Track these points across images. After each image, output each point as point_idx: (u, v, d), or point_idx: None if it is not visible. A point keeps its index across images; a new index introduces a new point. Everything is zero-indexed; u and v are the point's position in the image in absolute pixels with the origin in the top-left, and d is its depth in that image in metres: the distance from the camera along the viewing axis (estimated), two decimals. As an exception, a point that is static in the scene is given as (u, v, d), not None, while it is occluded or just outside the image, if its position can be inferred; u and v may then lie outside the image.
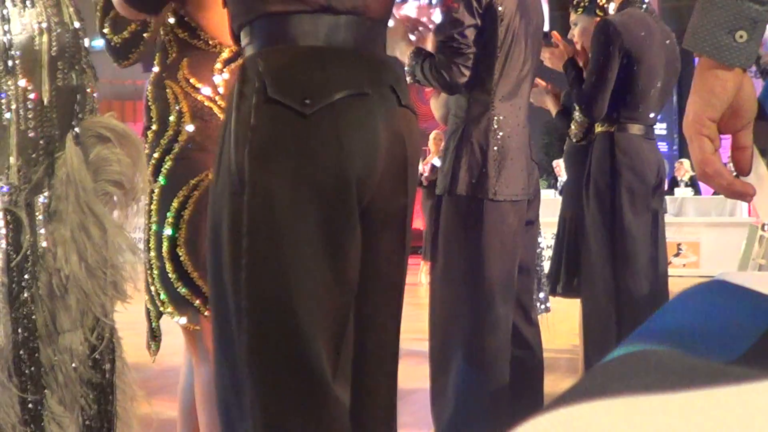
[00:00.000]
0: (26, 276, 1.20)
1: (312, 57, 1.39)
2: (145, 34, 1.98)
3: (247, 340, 1.34)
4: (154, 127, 1.97)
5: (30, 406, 1.18)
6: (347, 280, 1.39)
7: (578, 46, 3.43)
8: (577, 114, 3.50)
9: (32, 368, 1.18)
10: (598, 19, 3.46)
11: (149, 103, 2.00)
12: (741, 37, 0.93)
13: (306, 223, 1.34)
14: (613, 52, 3.05)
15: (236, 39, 1.50)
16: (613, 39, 3.05)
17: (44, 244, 1.22)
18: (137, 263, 1.35)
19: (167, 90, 1.96)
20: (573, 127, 3.53)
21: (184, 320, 1.95)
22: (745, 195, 0.99)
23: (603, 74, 3.06)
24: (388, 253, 1.48)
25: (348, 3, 1.40)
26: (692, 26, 0.95)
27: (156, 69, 2.01)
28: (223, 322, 1.39)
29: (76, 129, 1.29)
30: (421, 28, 2.55)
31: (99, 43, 2.06)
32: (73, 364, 1.24)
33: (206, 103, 1.94)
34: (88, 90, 1.33)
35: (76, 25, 1.32)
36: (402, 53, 2.47)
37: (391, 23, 2.53)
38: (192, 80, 1.95)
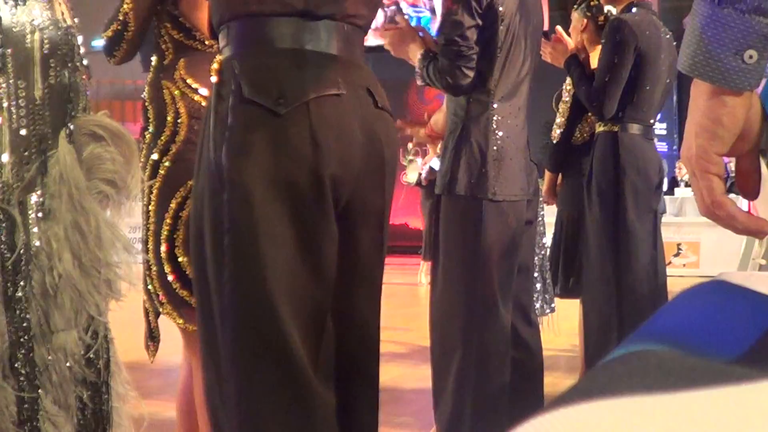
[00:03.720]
0: (20, 275, 1.19)
1: (287, 58, 1.41)
2: (126, 34, 1.98)
3: (229, 336, 1.37)
4: (151, 128, 1.97)
5: (25, 406, 1.17)
6: (323, 276, 1.41)
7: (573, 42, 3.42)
8: (559, 118, 3.51)
9: (27, 368, 1.17)
10: (590, 17, 3.47)
11: (146, 104, 2.01)
12: (750, 57, 0.78)
13: (281, 220, 1.37)
14: (628, 52, 3.05)
15: (213, 33, 1.52)
16: (629, 39, 3.05)
17: (37, 242, 1.21)
18: (132, 262, 1.34)
19: (164, 91, 1.96)
20: (554, 129, 3.55)
21: (180, 321, 1.95)
22: (760, 232, 0.84)
23: (617, 74, 3.05)
24: (367, 251, 1.51)
25: (326, 8, 1.42)
26: (689, 49, 0.80)
27: (153, 70, 2.02)
28: (207, 318, 1.42)
29: (70, 127, 1.28)
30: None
31: (100, 43, 2.07)
32: (68, 364, 1.23)
33: (203, 103, 1.94)
34: (82, 88, 1.33)
35: (68, 22, 1.32)
36: (414, 55, 2.47)
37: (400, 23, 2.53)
38: (189, 81, 1.95)
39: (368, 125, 1.46)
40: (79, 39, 1.36)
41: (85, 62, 1.36)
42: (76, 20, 1.36)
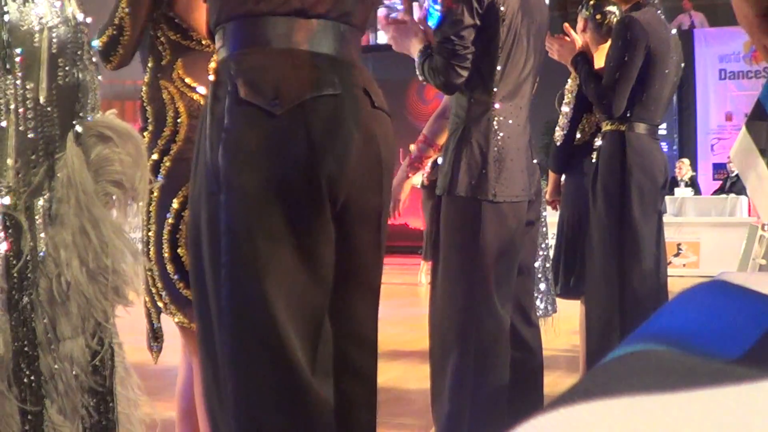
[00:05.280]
0: (26, 282, 1.16)
1: (283, 59, 1.41)
2: (121, 39, 1.98)
3: (227, 338, 1.37)
4: (150, 128, 1.97)
5: (29, 416, 1.14)
6: (321, 277, 1.41)
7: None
8: (561, 119, 3.50)
9: (32, 377, 1.15)
10: (589, 16, 3.47)
11: (145, 105, 2.01)
12: None
13: (278, 220, 1.37)
14: (638, 50, 3.03)
15: (212, 36, 1.52)
16: (640, 37, 3.03)
17: (44, 249, 1.18)
18: (138, 266, 1.32)
19: (163, 91, 1.96)
20: (557, 131, 3.54)
21: (185, 321, 1.95)
22: None
23: (627, 71, 3.04)
24: (364, 251, 1.51)
25: (321, 7, 1.42)
26: None
27: (149, 71, 2.02)
28: (205, 320, 1.42)
29: (78, 128, 1.25)
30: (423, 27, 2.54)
31: (97, 43, 2.07)
32: (74, 372, 1.21)
33: (202, 102, 1.94)
34: (91, 87, 1.29)
35: (79, 18, 1.28)
36: (414, 50, 2.47)
37: (403, 19, 2.53)
38: (187, 80, 1.95)
39: (365, 125, 1.46)
40: (90, 39, 1.32)
41: (94, 59, 1.33)
42: (88, 19, 1.32)
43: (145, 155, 1.32)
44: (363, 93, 1.47)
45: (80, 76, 1.26)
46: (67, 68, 1.24)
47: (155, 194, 1.92)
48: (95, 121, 1.28)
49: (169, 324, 2.00)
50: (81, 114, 1.26)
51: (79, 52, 1.26)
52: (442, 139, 2.69)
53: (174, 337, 2.11)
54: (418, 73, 2.44)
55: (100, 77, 1.35)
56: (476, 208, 2.34)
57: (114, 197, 1.28)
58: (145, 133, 1.99)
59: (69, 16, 1.25)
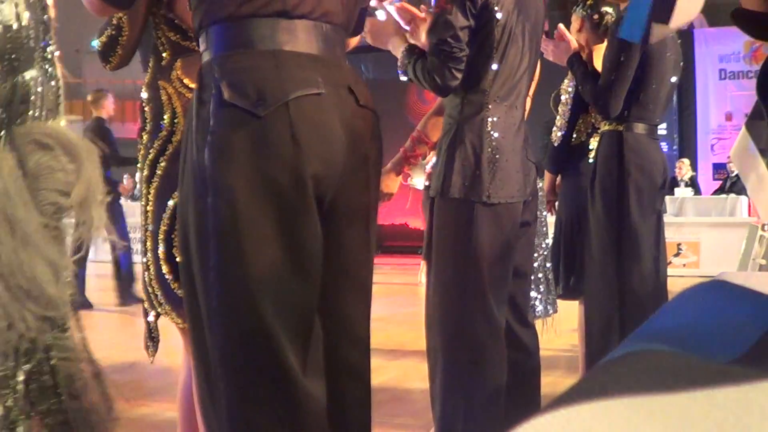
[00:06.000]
0: None
1: (266, 60, 1.41)
2: (120, 39, 1.98)
3: (218, 339, 1.38)
4: (147, 128, 1.97)
5: None
6: (310, 276, 1.42)
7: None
8: (558, 120, 3.50)
9: None
10: (586, 16, 3.46)
11: (144, 105, 2.01)
12: None
13: (265, 221, 1.37)
14: (634, 51, 3.02)
15: (196, 39, 1.53)
16: None
17: None
18: (61, 273, 1.18)
19: (161, 91, 1.97)
20: (554, 131, 3.54)
21: (179, 320, 1.95)
22: None
23: (623, 72, 3.02)
24: (354, 249, 1.52)
25: (304, 8, 1.43)
26: None
27: (150, 71, 2.02)
28: (196, 320, 1.43)
29: (10, 135, 1.16)
30: (416, 20, 2.53)
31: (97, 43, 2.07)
32: None
33: None
34: (35, 92, 1.20)
35: (24, 22, 1.19)
36: (395, 48, 2.45)
37: (382, 17, 2.52)
38: (185, 80, 1.95)
39: (350, 123, 1.46)
40: (45, 40, 1.23)
41: (50, 67, 1.24)
42: (46, 17, 1.24)
43: (91, 165, 1.21)
44: (347, 92, 1.48)
45: (17, 80, 1.18)
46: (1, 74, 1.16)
47: (152, 194, 1.93)
48: (32, 127, 1.20)
49: (168, 324, 2.00)
50: (19, 120, 1.18)
51: (15, 56, 1.19)
52: (436, 136, 2.68)
53: (172, 337, 2.11)
54: (400, 71, 2.42)
55: (54, 83, 1.25)
56: (470, 209, 2.31)
57: (63, 207, 1.18)
58: (144, 134, 1.99)
59: (6, 19, 1.18)
